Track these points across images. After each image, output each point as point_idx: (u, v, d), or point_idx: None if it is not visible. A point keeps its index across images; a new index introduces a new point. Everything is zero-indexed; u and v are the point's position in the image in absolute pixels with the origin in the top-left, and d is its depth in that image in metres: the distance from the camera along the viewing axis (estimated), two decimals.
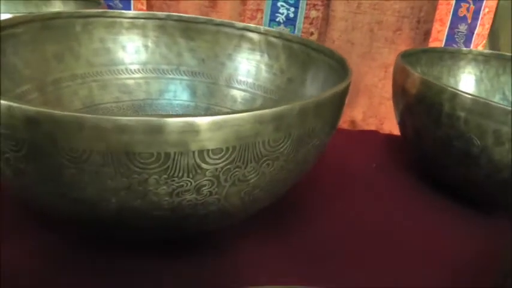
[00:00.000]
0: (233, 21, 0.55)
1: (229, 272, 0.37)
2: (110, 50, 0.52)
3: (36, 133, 0.24)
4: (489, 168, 0.46)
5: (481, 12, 1.00)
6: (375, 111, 1.13)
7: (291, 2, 1.16)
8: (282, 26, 1.18)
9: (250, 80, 0.54)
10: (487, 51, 0.71)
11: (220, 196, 0.30)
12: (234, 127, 0.26)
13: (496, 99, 0.69)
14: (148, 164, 0.26)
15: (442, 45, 1.02)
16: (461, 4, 1.00)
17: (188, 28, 0.55)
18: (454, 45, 1.01)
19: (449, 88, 0.48)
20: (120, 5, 1.13)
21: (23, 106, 0.24)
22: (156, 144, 0.25)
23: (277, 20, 1.18)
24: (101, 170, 0.26)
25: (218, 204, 0.30)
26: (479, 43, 1.02)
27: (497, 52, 0.71)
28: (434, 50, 0.71)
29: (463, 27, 1.02)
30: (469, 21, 1.01)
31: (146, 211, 0.29)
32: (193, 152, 0.26)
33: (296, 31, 1.18)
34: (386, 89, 1.13)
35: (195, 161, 0.26)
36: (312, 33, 1.18)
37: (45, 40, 0.47)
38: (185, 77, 0.55)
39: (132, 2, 1.13)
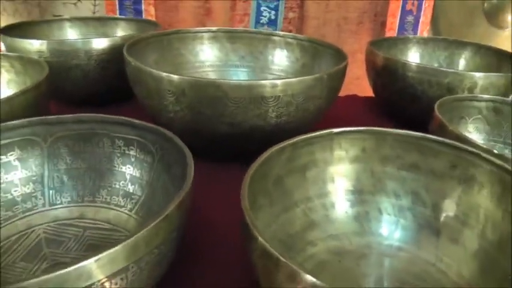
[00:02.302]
0: (260, 30, 0.82)
1: None
2: (184, 55, 0.79)
3: None
4: (427, 101, 0.75)
5: (423, 6, 1.30)
6: (344, 88, 1.42)
7: (272, 6, 1.42)
8: (265, 27, 1.45)
9: (275, 67, 0.82)
10: (425, 36, 1.02)
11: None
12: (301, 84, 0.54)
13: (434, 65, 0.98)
14: None
15: (395, 34, 1.32)
16: (408, 1, 1.30)
17: (231, 36, 0.83)
18: (405, 33, 1.32)
19: (400, 59, 0.78)
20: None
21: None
22: None
23: (261, 21, 1.44)
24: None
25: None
26: (423, 29, 1.33)
27: (433, 36, 1.01)
28: (391, 38, 1.00)
29: (410, 18, 1.32)
30: (415, 13, 1.31)
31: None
32: None
33: (278, 30, 1.44)
34: (354, 71, 1.42)
35: None
36: (290, 31, 1.44)
37: (149, 51, 0.73)
38: (231, 69, 0.83)
39: (143, 14, 1.36)
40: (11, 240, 0.47)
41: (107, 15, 1.30)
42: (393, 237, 0.50)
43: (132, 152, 0.51)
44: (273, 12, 1.41)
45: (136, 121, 0.49)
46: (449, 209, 0.49)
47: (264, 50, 0.82)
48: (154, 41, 0.74)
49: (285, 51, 0.81)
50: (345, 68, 0.63)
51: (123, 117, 0.50)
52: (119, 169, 0.51)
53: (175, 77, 0.54)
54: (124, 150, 0.51)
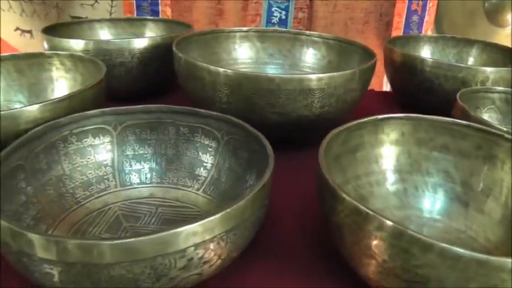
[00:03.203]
0: (289, 29, 0.88)
1: None
2: (219, 53, 0.85)
3: None
4: (443, 93, 0.81)
5: (427, 6, 1.38)
6: None
7: (283, 7, 1.49)
8: (276, 26, 1.51)
9: (303, 64, 0.88)
10: (436, 34, 1.09)
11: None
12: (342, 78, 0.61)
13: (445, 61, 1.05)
14: None
15: (401, 32, 1.39)
16: (413, 1, 1.37)
17: (261, 35, 0.89)
18: (410, 32, 1.39)
19: (419, 56, 0.84)
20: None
21: None
22: None
23: (272, 21, 1.51)
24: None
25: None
26: (428, 28, 1.40)
27: (442, 35, 1.08)
28: (403, 37, 1.07)
29: (415, 18, 1.39)
30: (420, 13, 1.39)
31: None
32: None
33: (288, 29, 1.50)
34: None
35: None
36: (300, 30, 1.52)
37: (190, 49, 0.79)
38: (261, 66, 0.89)
39: (159, 14, 1.42)
40: (92, 215, 0.52)
41: (126, 16, 1.35)
42: (428, 210, 0.57)
43: (196, 139, 0.56)
44: (283, 12, 1.47)
45: (202, 110, 0.55)
46: (475, 184, 0.56)
47: (292, 48, 0.88)
48: (194, 40, 0.79)
49: (311, 49, 0.87)
50: (375, 64, 0.69)
51: (188, 107, 0.56)
52: (184, 154, 0.57)
53: (231, 71, 0.60)
54: (188, 137, 0.57)
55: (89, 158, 0.55)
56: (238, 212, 0.36)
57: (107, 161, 0.56)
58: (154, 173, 0.57)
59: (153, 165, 0.57)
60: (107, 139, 0.56)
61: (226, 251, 0.37)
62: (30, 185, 0.49)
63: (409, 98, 0.91)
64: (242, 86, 0.59)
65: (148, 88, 0.85)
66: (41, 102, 0.54)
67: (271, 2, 1.45)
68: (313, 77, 0.59)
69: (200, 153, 0.56)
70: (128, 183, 0.56)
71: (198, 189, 0.55)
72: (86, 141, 0.55)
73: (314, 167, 0.44)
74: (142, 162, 0.57)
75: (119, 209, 0.53)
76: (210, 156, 0.55)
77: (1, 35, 1.58)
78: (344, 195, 0.38)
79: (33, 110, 0.54)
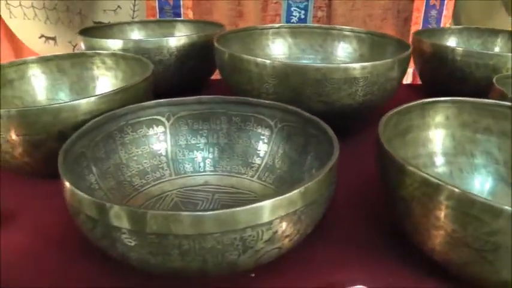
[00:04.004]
0: (320, 24, 0.90)
1: None
2: (254, 49, 0.87)
3: None
4: (474, 81, 0.83)
5: (445, 1, 1.39)
6: None
7: (302, 6, 1.50)
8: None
9: (334, 58, 0.90)
10: (460, 26, 1.10)
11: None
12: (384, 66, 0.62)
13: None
14: None
15: (420, 27, 1.41)
16: None
17: (293, 31, 0.91)
18: (429, 26, 1.40)
19: (449, 46, 0.86)
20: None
21: None
22: None
23: (292, 21, 1.52)
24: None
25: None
26: (446, 22, 1.42)
27: (467, 26, 1.09)
28: (428, 30, 1.09)
29: (434, 13, 1.41)
30: (438, 7, 1.40)
31: None
32: None
33: None
34: None
35: None
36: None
37: (227, 46, 0.81)
38: (294, 61, 0.90)
39: (182, 17, 1.44)
40: (152, 201, 0.54)
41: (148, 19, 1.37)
42: (474, 191, 0.58)
43: (248, 127, 0.58)
44: (302, 11, 1.49)
45: (254, 99, 0.57)
46: None
47: (323, 43, 0.89)
48: (231, 37, 0.81)
49: (342, 43, 0.89)
50: (411, 54, 0.71)
51: (241, 97, 0.58)
52: (236, 143, 0.59)
53: (278, 63, 0.62)
54: (241, 125, 0.58)
55: (143, 148, 0.57)
56: (316, 186, 0.37)
57: (161, 150, 0.58)
58: (207, 162, 0.59)
59: (206, 154, 0.59)
60: (161, 129, 0.58)
61: (304, 225, 0.38)
62: (91, 173, 0.51)
63: (440, 88, 0.92)
64: (289, 77, 0.61)
65: (184, 84, 0.87)
66: (98, 95, 0.56)
67: (290, 1, 1.46)
68: (358, 65, 0.61)
69: (253, 141, 0.58)
70: (182, 172, 0.58)
71: (252, 176, 0.57)
72: (140, 132, 0.57)
73: (374, 146, 0.46)
74: (195, 152, 0.59)
75: (176, 196, 0.55)
76: (263, 143, 0.57)
77: (26, 43, 1.61)
78: (413, 168, 0.39)
79: (90, 101, 0.56)
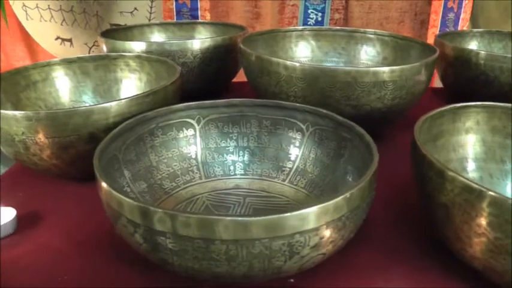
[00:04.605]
0: (343, 27, 0.90)
1: None
2: (277, 52, 0.87)
3: None
4: (498, 86, 0.82)
5: (463, 4, 1.38)
6: None
7: (319, 8, 1.50)
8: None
9: (357, 61, 0.90)
10: (481, 29, 1.10)
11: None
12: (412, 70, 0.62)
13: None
14: None
15: (438, 30, 1.40)
16: None
17: (316, 34, 0.91)
18: (446, 29, 1.40)
19: (473, 49, 0.85)
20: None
21: None
22: None
23: (309, 23, 1.52)
24: None
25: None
26: (463, 25, 1.41)
27: (488, 29, 1.09)
28: (449, 33, 1.08)
29: (451, 15, 1.40)
30: (456, 10, 1.40)
31: None
32: None
33: None
34: None
35: None
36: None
37: (252, 48, 0.81)
38: (316, 64, 0.90)
39: (199, 19, 1.43)
40: (183, 205, 0.54)
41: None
42: None
43: (279, 131, 0.58)
44: (319, 14, 1.48)
45: (286, 103, 0.57)
46: None
47: (346, 46, 0.89)
48: (255, 39, 0.81)
49: (365, 46, 0.89)
50: (436, 57, 0.71)
51: (272, 100, 0.58)
52: (267, 146, 0.59)
53: (308, 65, 0.62)
54: (271, 129, 0.58)
55: (173, 151, 0.57)
56: (360, 192, 0.37)
57: (191, 153, 0.58)
58: (237, 165, 0.59)
59: (236, 157, 0.59)
60: (190, 132, 0.58)
61: (347, 231, 0.38)
62: (123, 175, 0.51)
63: (463, 92, 0.91)
64: (319, 80, 0.61)
65: (207, 87, 0.87)
66: (128, 97, 0.56)
67: (308, 4, 1.46)
68: (387, 69, 0.61)
69: (284, 145, 0.58)
70: (212, 175, 0.58)
71: (283, 180, 0.56)
72: (170, 135, 0.57)
73: (410, 151, 0.46)
74: (225, 155, 0.59)
75: (207, 199, 0.55)
76: (294, 147, 0.57)
77: (42, 44, 1.62)
78: (454, 174, 0.39)
79: (121, 104, 0.56)
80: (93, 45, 1.58)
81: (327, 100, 0.62)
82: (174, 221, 0.34)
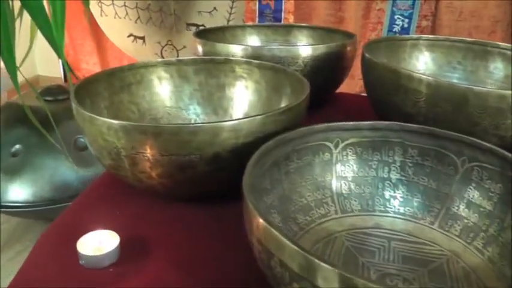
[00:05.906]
0: (462, 38, 0.82)
1: None
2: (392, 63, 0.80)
3: None
4: None
5: None
6: None
7: (406, 14, 1.42)
8: (397, 35, 1.45)
9: (475, 77, 0.81)
10: None
11: None
12: None
13: None
14: None
15: None
16: None
17: (431, 44, 0.82)
18: None
19: None
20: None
21: None
22: None
23: (394, 30, 1.44)
24: None
25: None
26: None
27: None
28: None
29: None
30: None
31: None
32: None
33: None
34: None
35: None
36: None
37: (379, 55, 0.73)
38: (465, 83, 0.81)
39: (282, 22, 1.38)
40: (320, 245, 0.47)
41: (248, 23, 1.32)
42: None
43: (426, 163, 0.50)
44: (406, 20, 1.41)
45: (439, 130, 0.49)
46: None
47: (463, 60, 0.81)
48: (375, 48, 0.74)
49: (484, 61, 0.80)
50: None
51: (423, 126, 0.50)
52: (410, 180, 0.51)
53: (457, 83, 0.54)
54: (417, 160, 0.51)
55: (307, 179, 0.51)
56: None
57: (325, 182, 0.52)
58: (376, 200, 0.52)
59: (375, 190, 0.52)
60: (327, 157, 0.52)
61: None
62: (257, 209, 0.44)
63: None
64: (468, 103, 0.53)
65: (313, 97, 0.80)
66: (263, 114, 0.50)
67: (395, 9, 1.38)
68: None
69: (431, 180, 0.50)
70: (349, 210, 0.51)
71: (431, 223, 0.49)
72: (306, 160, 0.51)
73: None
74: (362, 186, 0.52)
75: (346, 239, 0.48)
76: (442, 184, 0.49)
77: (114, 41, 1.60)
78: None
79: (255, 121, 0.49)
80: (166, 44, 1.54)
81: (472, 128, 0.54)
82: (344, 282, 0.28)
